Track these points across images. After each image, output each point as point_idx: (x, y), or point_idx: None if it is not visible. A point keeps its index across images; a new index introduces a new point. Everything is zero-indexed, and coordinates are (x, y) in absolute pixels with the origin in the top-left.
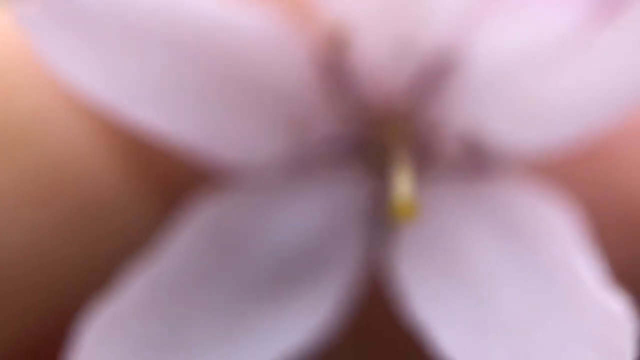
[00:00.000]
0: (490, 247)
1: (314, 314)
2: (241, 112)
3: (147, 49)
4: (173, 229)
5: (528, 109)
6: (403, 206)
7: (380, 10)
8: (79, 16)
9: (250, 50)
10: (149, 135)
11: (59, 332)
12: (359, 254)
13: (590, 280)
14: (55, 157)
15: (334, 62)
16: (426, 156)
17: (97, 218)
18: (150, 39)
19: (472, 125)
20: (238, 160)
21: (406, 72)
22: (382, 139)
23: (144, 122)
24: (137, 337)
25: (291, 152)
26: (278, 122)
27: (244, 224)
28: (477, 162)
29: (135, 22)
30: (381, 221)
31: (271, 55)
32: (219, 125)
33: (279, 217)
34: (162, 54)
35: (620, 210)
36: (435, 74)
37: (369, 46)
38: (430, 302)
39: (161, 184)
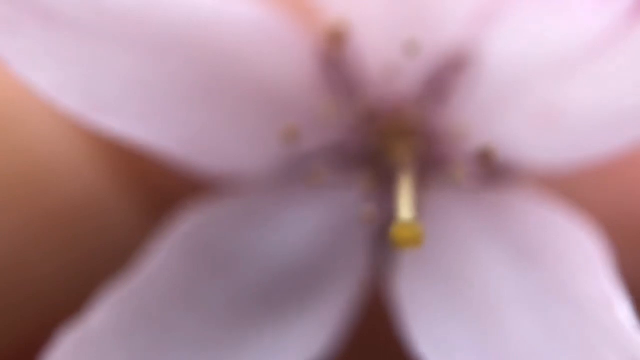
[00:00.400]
0: (502, 270)
1: (310, 340)
2: (234, 116)
3: (126, 50)
4: (155, 242)
5: (545, 118)
6: (404, 235)
7: (386, 9)
8: (48, 16)
9: (246, 45)
10: (132, 144)
11: (32, 347)
12: (360, 273)
13: (612, 307)
14: (38, 163)
15: (335, 59)
16: (435, 169)
17: (80, 226)
18: (129, 38)
19: (484, 134)
20: (230, 169)
21: (414, 75)
22: (389, 151)
23: (123, 133)
24: None
25: (289, 160)
26: (275, 127)
27: (233, 237)
28: (489, 175)
29: (111, 19)
30: (384, 238)
31: (269, 51)
32: (210, 133)
33: (272, 231)
34: (144, 55)
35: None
36: (446, 77)
37: (375, 47)
38: (429, 328)
39: (150, 192)
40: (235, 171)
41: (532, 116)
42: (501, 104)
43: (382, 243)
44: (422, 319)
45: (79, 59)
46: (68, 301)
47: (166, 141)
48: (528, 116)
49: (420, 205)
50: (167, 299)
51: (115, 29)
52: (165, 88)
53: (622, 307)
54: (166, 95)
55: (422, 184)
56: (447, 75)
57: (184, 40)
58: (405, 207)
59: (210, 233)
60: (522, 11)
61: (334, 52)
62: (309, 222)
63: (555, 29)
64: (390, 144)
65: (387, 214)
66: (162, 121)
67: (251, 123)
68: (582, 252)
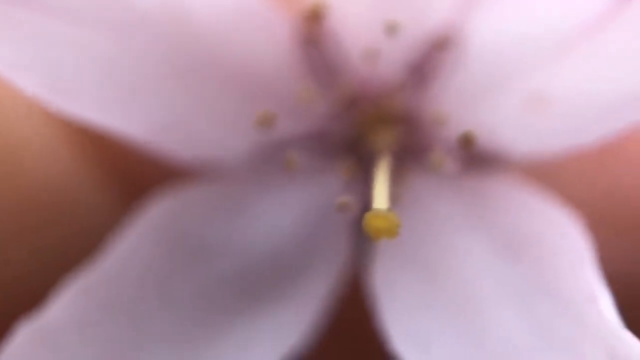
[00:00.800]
0: (483, 261)
1: (287, 331)
2: (208, 101)
3: (92, 27)
4: (123, 229)
5: (536, 103)
6: (378, 225)
7: None
8: None
9: (222, 24)
10: (105, 130)
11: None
12: (339, 263)
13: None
14: (10, 147)
15: (314, 40)
16: (416, 155)
17: (52, 211)
18: (96, 15)
19: (468, 119)
20: (204, 155)
21: (396, 58)
22: (368, 138)
23: (88, 117)
24: (64, 355)
25: (265, 147)
26: (251, 112)
27: (206, 224)
28: (472, 162)
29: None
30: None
31: (246, 30)
32: (183, 118)
33: (248, 219)
34: (112, 34)
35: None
36: (428, 60)
37: (355, 27)
38: (405, 320)
39: (125, 178)
40: (210, 158)
41: (522, 102)
42: (487, 89)
43: (361, 232)
44: (397, 311)
45: (41, 37)
46: (36, 289)
47: (135, 127)
48: (517, 102)
49: (398, 194)
50: (135, 289)
51: (81, 6)
52: (133, 70)
53: (605, 301)
54: (135, 77)
55: (402, 171)
56: (430, 58)
57: (155, 18)
58: (379, 197)
59: (182, 220)
60: None
61: (313, 32)
62: (286, 211)
63: (546, 9)
64: (369, 131)
65: (366, 203)
66: (131, 106)
67: (226, 108)
68: (567, 244)
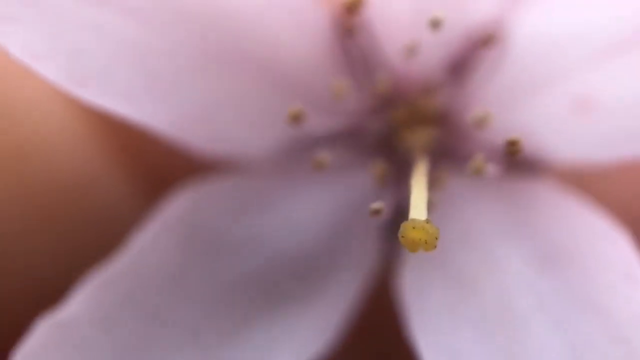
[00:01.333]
0: (524, 274)
1: (312, 334)
2: (239, 95)
3: (126, 17)
4: (144, 223)
5: (580, 108)
6: (415, 237)
7: None
8: None
9: (257, 15)
10: (128, 121)
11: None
12: (367, 266)
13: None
14: (34, 138)
15: (351, 32)
16: (455, 159)
17: (74, 203)
18: (130, 4)
19: (510, 122)
20: (233, 151)
21: (436, 54)
22: (404, 140)
23: (116, 109)
24: (85, 350)
25: (295, 144)
26: (283, 108)
27: (230, 220)
28: (513, 167)
29: None
30: (394, 231)
31: (281, 21)
32: (212, 112)
33: (274, 216)
34: (145, 23)
35: None
36: (469, 58)
37: (394, 20)
38: (435, 334)
39: (148, 171)
40: (238, 153)
41: (567, 105)
42: (530, 90)
43: (391, 236)
44: (427, 321)
45: (68, 22)
46: (59, 282)
47: (163, 119)
48: (561, 105)
49: (434, 199)
50: (156, 283)
51: None
52: (164, 60)
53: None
54: (165, 68)
55: (438, 175)
56: (471, 55)
57: (189, 7)
58: (418, 206)
59: (204, 213)
60: None
61: (351, 23)
62: (314, 210)
63: (596, 10)
64: (405, 131)
65: (399, 206)
66: (160, 97)
67: (257, 102)
68: (614, 257)
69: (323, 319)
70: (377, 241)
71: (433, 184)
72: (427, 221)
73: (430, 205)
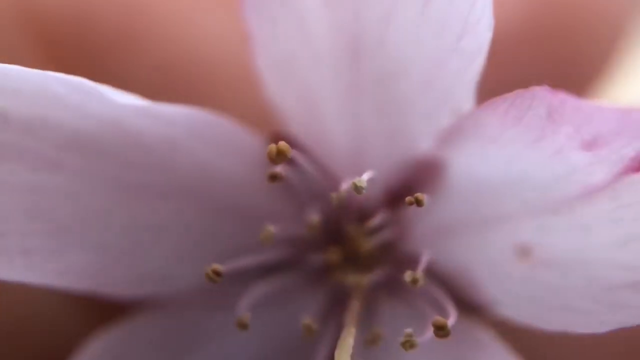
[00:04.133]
0: None
1: None
2: (159, 230)
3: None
4: None
5: (516, 257)
6: None
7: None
8: None
9: (184, 147)
10: None
11: None
12: None
13: None
14: None
15: (278, 176)
16: (393, 293)
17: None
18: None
19: (446, 259)
20: (153, 290)
21: (375, 190)
22: (340, 278)
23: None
24: None
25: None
26: (213, 245)
27: (153, 358)
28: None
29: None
30: None
31: (210, 153)
32: (125, 253)
33: (200, 354)
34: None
35: None
36: (407, 193)
37: (333, 153)
38: None
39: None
40: (163, 290)
41: (504, 250)
42: (468, 227)
43: None
44: None
45: None
46: None
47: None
48: (499, 248)
49: (377, 333)
50: None
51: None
52: (65, 201)
53: None
54: (68, 211)
55: (377, 309)
56: (408, 191)
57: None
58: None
59: (124, 356)
60: (498, 136)
61: (277, 170)
62: (247, 340)
63: (535, 162)
64: (341, 273)
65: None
66: (69, 251)
67: (178, 235)
68: None
69: None
70: None
71: (373, 318)
72: None
73: (372, 340)
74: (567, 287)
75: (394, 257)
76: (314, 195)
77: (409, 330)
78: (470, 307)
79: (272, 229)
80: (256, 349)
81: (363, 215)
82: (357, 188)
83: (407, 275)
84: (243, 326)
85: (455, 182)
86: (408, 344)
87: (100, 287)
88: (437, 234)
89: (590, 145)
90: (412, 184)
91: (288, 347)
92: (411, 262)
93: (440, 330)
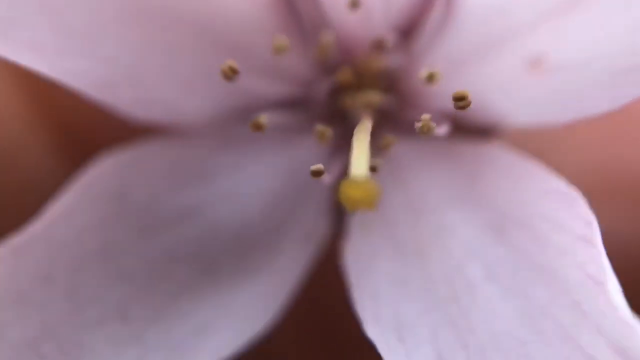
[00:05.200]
0: (471, 240)
1: (254, 312)
2: (169, 51)
3: None
4: (64, 189)
5: (532, 69)
6: (355, 195)
7: None
8: None
9: None
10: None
11: None
12: (314, 236)
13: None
14: None
15: None
16: (402, 121)
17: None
18: None
19: (460, 82)
20: (165, 115)
21: (384, 12)
22: (348, 102)
23: (24, 63)
24: None
25: (232, 107)
26: (218, 65)
27: (160, 185)
28: (464, 131)
29: None
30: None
31: None
32: (140, 73)
33: (210, 182)
34: None
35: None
36: (417, 14)
37: None
38: (379, 305)
39: (71, 134)
40: (172, 117)
41: (519, 66)
42: (481, 49)
43: (340, 208)
44: (371, 292)
45: None
46: None
47: (81, 78)
48: (513, 65)
49: (380, 164)
50: (74, 258)
51: None
52: (83, 14)
53: (612, 284)
54: (83, 23)
55: (385, 139)
56: (419, 11)
57: None
58: (357, 163)
59: (133, 182)
60: None
61: None
62: (254, 179)
63: None
64: (351, 95)
65: (345, 172)
66: (76, 54)
67: (189, 61)
68: (567, 220)
69: (266, 296)
70: (323, 212)
71: (379, 148)
72: (367, 179)
73: (375, 169)
74: (581, 82)
75: (402, 91)
76: (322, 21)
77: (426, 115)
78: (478, 131)
79: (285, 40)
80: (266, 184)
81: (375, 41)
82: (354, 6)
83: (422, 73)
84: (258, 127)
85: (467, 2)
86: (425, 127)
87: (109, 99)
88: (448, 63)
89: None
90: (425, 12)
91: (297, 182)
92: (422, 89)
93: (461, 101)
